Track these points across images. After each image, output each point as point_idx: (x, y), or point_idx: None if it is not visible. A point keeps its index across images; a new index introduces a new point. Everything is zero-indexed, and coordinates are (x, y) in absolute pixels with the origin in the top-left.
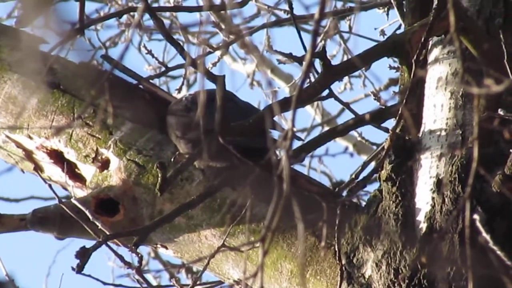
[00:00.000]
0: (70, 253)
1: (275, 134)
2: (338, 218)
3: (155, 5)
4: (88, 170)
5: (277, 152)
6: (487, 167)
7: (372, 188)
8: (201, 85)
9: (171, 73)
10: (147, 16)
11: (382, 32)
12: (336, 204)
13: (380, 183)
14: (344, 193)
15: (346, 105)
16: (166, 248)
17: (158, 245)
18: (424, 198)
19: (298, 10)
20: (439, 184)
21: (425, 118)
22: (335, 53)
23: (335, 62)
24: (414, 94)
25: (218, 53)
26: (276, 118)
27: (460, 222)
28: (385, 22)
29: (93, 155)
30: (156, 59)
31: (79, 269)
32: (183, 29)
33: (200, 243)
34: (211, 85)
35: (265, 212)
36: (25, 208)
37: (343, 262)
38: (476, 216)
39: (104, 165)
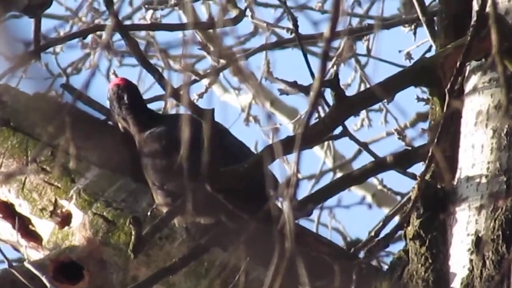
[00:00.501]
0: None
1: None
2: (354, 286)
3: (128, 22)
4: (45, 227)
5: (279, 203)
6: None
7: (395, 248)
8: (185, 121)
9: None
10: (117, 36)
11: (408, 56)
12: (351, 267)
13: (405, 242)
14: (361, 254)
15: (364, 146)
16: None
17: None
18: (460, 260)
19: (304, 28)
20: (478, 243)
21: (461, 162)
22: (350, 81)
23: (350, 92)
24: (447, 131)
25: (205, 81)
26: (277, 162)
27: None
28: (412, 43)
29: (51, 208)
30: None
31: None
32: (162, 51)
33: None
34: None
35: (263, 278)
36: None
37: None
38: None
39: (65, 220)
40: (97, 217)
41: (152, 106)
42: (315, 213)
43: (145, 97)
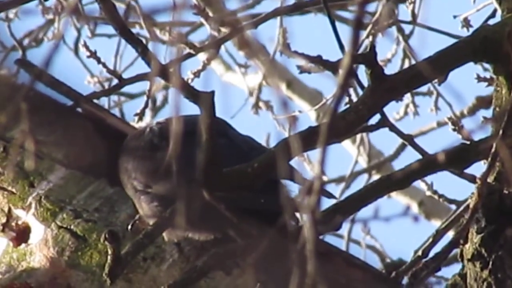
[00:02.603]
0: None
1: (294, 186)
2: None
3: None
4: None
5: (297, 216)
6: None
7: (449, 272)
8: (175, 108)
9: (127, 88)
10: None
11: (466, 23)
12: None
13: (462, 263)
14: (405, 280)
15: (408, 139)
16: None
17: None
18: None
19: None
20: None
21: None
22: (391, 56)
23: (390, 70)
24: None
25: (202, 56)
26: (295, 161)
27: None
28: (471, 7)
29: (3, 220)
30: (104, 66)
31: None
32: (146, 18)
33: None
34: (192, 109)
35: None
36: None
37: None
38: None
39: (21, 235)
40: (62, 232)
41: (134, 87)
42: (345, 227)
43: (125, 75)
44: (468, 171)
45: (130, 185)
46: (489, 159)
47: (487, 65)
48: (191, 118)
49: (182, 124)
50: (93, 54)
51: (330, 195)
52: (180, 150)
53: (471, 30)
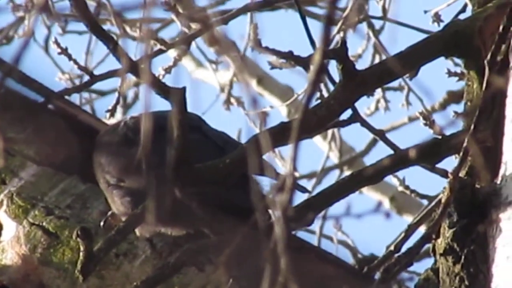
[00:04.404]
0: None
1: (266, 182)
2: None
3: None
4: None
5: (270, 212)
6: None
7: (421, 267)
8: (146, 104)
9: (98, 85)
10: None
11: (437, 17)
12: None
13: (435, 258)
14: (377, 275)
15: (380, 135)
16: None
17: None
18: (506, 281)
19: None
20: None
21: (506, 155)
22: (362, 52)
23: (361, 65)
24: (488, 116)
25: (173, 52)
26: (266, 157)
27: None
28: (441, 1)
29: None
30: (75, 62)
31: None
32: (117, 14)
33: None
34: (163, 105)
35: None
36: None
37: None
38: None
39: None
40: (35, 229)
41: (105, 84)
42: (317, 223)
43: (96, 72)
44: (440, 166)
45: (103, 179)
46: (461, 153)
47: (458, 60)
48: (164, 114)
49: (154, 120)
50: (64, 51)
51: (304, 189)
52: (152, 146)
53: (442, 25)
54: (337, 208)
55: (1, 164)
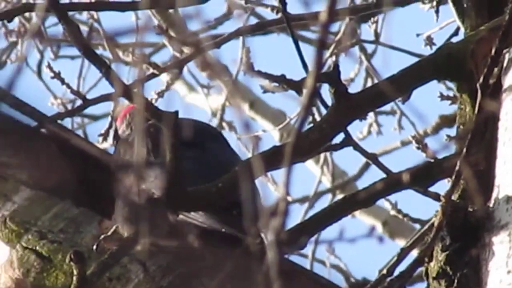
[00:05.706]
0: None
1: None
2: None
3: (65, 0)
4: None
5: (262, 235)
6: None
7: None
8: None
9: (90, 110)
10: (52, 19)
11: (429, 41)
12: None
13: (428, 282)
14: None
15: (372, 158)
16: None
17: None
18: None
19: (293, 7)
20: None
21: (499, 178)
22: (354, 76)
23: (353, 89)
24: (480, 140)
25: (166, 77)
26: (259, 182)
27: None
28: (434, 25)
29: None
30: (68, 86)
31: None
32: (109, 39)
33: None
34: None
35: None
36: None
37: None
38: None
39: None
40: (28, 253)
41: (98, 107)
42: (309, 246)
43: (89, 96)
44: (432, 189)
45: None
46: (453, 177)
47: (450, 84)
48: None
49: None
50: (57, 75)
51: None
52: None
53: (434, 48)
54: (330, 232)
55: None
